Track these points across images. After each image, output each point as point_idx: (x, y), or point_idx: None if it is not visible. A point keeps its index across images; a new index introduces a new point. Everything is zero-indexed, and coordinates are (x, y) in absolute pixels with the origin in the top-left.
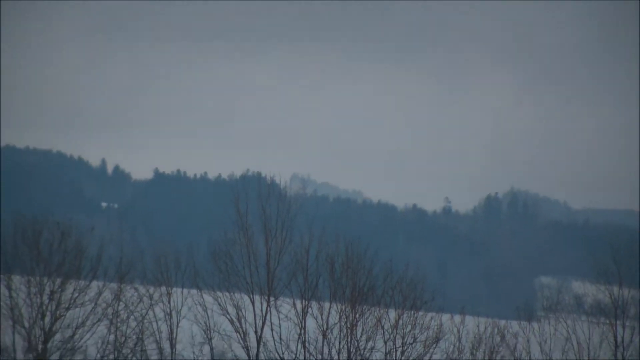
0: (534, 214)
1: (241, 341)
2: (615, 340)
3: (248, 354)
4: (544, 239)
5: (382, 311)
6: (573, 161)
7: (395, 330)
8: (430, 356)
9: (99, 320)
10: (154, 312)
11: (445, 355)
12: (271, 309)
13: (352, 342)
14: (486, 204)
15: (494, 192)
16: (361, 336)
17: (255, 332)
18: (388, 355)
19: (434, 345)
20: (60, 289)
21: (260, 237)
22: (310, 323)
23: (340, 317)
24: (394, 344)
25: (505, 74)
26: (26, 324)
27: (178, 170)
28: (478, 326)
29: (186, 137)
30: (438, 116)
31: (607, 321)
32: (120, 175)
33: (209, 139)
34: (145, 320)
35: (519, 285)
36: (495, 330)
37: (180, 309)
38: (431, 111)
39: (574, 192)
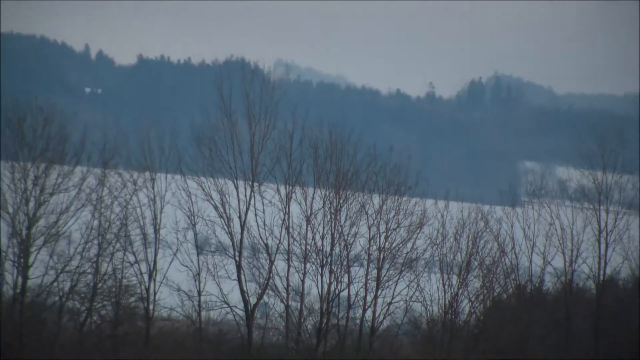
0: (518, 99)
1: (225, 227)
2: (599, 225)
3: (232, 239)
4: (528, 124)
5: (365, 197)
6: (557, 46)
7: (379, 215)
8: (414, 242)
9: (83, 205)
10: (137, 198)
11: (428, 241)
12: (255, 195)
13: (336, 228)
14: (470, 89)
15: (477, 77)
16: (345, 222)
17: (239, 217)
18: (372, 241)
19: (418, 230)
20: (44, 174)
21: (243, 123)
22: (294, 208)
23: (324, 203)
24: (378, 229)
25: None
26: (10, 210)
27: (162, 56)
28: (462, 211)
29: (170, 22)
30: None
31: (591, 206)
32: (103, 60)
33: (193, 24)
34: (129, 206)
35: (503, 171)
36: (479, 215)
37: (164, 195)
38: None
39: (558, 77)
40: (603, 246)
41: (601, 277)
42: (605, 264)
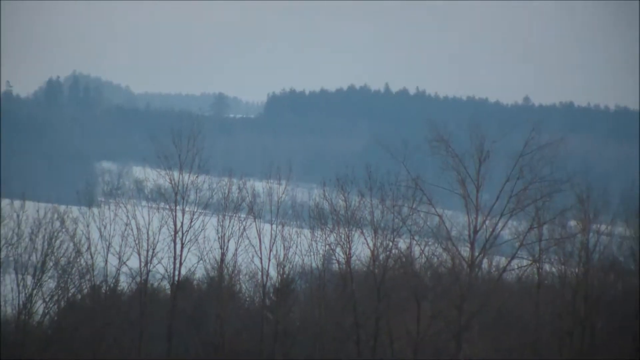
0: (96, 98)
1: None
2: (175, 225)
3: None
4: (106, 124)
5: None
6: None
7: None
8: None
9: None
10: None
11: (3, 241)
12: None
13: None
14: (47, 88)
15: (55, 76)
16: None
17: None
18: None
19: None
20: None
21: None
22: None
23: None
24: None
25: None
26: None
27: None
28: (38, 211)
29: None
30: None
31: (167, 206)
32: None
33: None
34: None
35: (81, 170)
36: (55, 215)
37: None
38: None
39: (136, 76)
40: (179, 246)
41: (176, 278)
42: (181, 264)
